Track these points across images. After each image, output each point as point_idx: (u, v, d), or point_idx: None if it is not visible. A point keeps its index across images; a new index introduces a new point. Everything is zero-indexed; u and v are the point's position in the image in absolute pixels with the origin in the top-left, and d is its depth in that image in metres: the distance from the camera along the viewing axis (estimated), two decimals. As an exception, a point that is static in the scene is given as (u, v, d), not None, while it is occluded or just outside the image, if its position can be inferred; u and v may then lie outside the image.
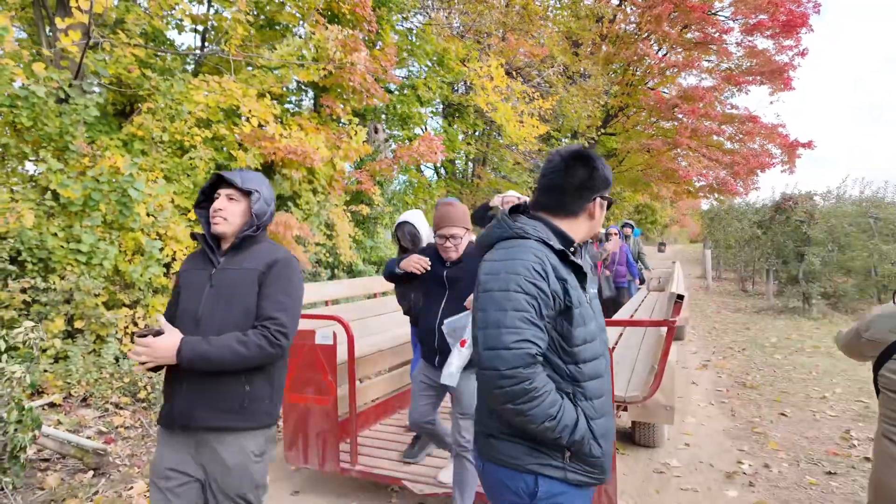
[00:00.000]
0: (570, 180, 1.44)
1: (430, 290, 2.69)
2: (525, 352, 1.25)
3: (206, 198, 1.98)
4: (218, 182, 1.95)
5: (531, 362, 1.26)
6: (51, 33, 5.30)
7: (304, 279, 7.91)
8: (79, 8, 4.64)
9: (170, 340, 1.70)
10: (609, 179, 1.49)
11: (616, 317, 5.84)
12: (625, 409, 3.79)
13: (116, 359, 4.63)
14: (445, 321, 2.45)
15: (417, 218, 3.33)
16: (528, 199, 3.97)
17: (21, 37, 6.11)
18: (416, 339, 3.54)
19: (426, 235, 3.32)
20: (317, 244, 6.69)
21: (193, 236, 1.99)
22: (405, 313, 3.52)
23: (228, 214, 1.87)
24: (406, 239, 3.32)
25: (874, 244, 10.66)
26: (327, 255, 6.96)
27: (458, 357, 2.38)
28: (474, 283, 2.40)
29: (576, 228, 1.49)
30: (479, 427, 1.48)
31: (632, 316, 5.56)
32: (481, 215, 4.87)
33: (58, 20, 4.80)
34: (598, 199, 1.47)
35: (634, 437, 4.08)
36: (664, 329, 2.70)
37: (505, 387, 1.25)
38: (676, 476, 3.60)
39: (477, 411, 1.51)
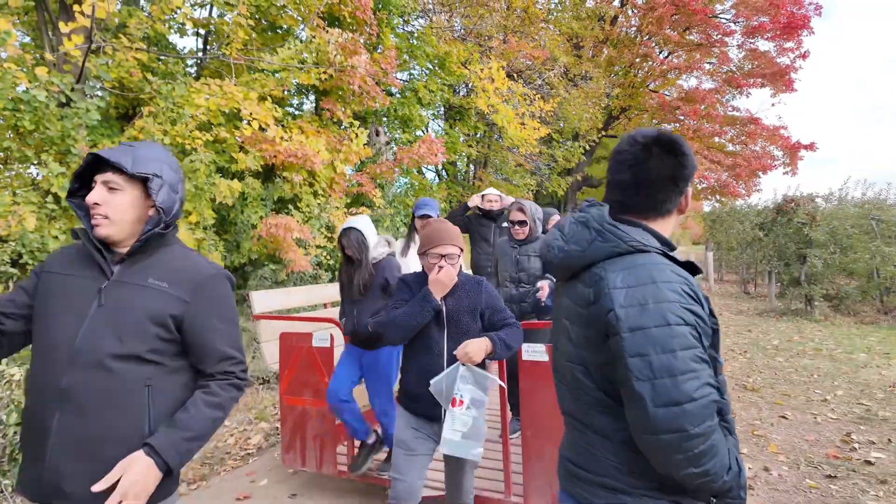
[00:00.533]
0: (660, 172, 1.19)
1: (423, 328, 2.18)
2: (710, 399, 1.03)
3: (82, 184, 1.45)
4: (97, 162, 1.39)
5: (714, 411, 1.04)
6: (53, 37, 5.34)
7: (306, 282, 7.84)
8: (81, 12, 4.67)
9: (139, 465, 1.23)
10: (695, 163, 1.26)
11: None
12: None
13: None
14: (432, 381, 2.04)
15: (365, 224, 3.07)
16: (514, 200, 3.90)
17: (24, 41, 6.15)
18: (351, 360, 3.08)
19: (373, 243, 3.06)
20: (317, 247, 6.71)
21: (75, 233, 1.42)
22: (348, 334, 3.10)
23: (112, 211, 1.35)
24: (353, 247, 2.99)
25: (876, 246, 10.63)
26: (328, 257, 6.98)
27: (460, 423, 2.01)
28: (473, 316, 2.19)
29: (667, 228, 1.25)
30: (595, 478, 1.19)
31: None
32: (459, 216, 4.82)
33: (61, 24, 4.83)
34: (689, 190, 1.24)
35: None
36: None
37: (692, 449, 1.01)
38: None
39: (591, 459, 1.21)
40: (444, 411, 2.05)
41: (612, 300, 1.09)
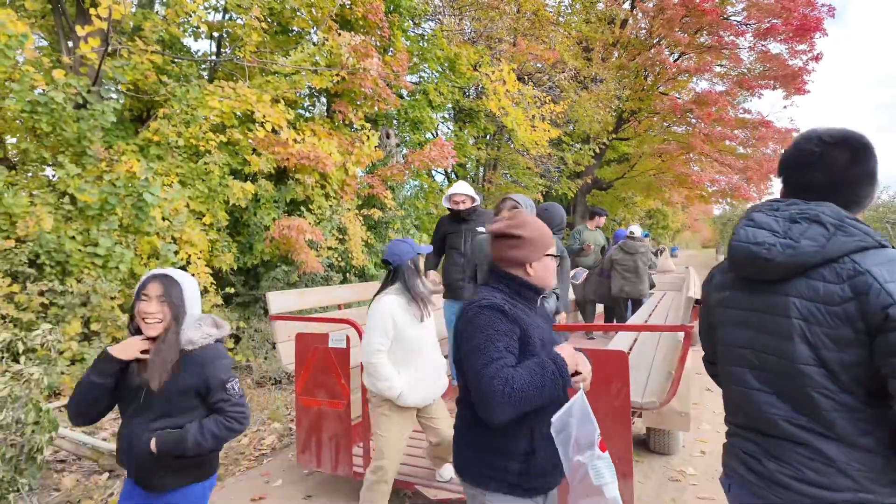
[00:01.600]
0: (860, 172, 1.21)
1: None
2: None
3: None
4: None
5: None
6: (70, 41, 5.40)
7: (317, 283, 7.79)
8: (98, 16, 4.72)
9: None
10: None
11: (630, 321, 5.79)
12: (639, 416, 3.74)
13: (131, 361, 4.68)
14: (554, 419, 1.42)
15: (188, 281, 1.88)
16: (506, 196, 3.53)
17: (41, 44, 6.23)
18: None
19: (194, 317, 1.85)
20: (329, 248, 6.72)
21: None
22: (123, 461, 1.79)
23: None
24: (157, 308, 1.76)
25: (892, 250, 10.51)
26: (339, 259, 6.98)
27: (609, 468, 1.40)
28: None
29: None
30: (835, 493, 1.15)
31: (646, 320, 5.51)
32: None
33: (77, 28, 4.88)
34: None
35: (649, 443, 4.03)
36: (680, 334, 2.66)
37: None
38: (693, 484, 3.55)
39: (828, 470, 1.16)
40: (582, 461, 1.40)
41: (890, 294, 1.08)
